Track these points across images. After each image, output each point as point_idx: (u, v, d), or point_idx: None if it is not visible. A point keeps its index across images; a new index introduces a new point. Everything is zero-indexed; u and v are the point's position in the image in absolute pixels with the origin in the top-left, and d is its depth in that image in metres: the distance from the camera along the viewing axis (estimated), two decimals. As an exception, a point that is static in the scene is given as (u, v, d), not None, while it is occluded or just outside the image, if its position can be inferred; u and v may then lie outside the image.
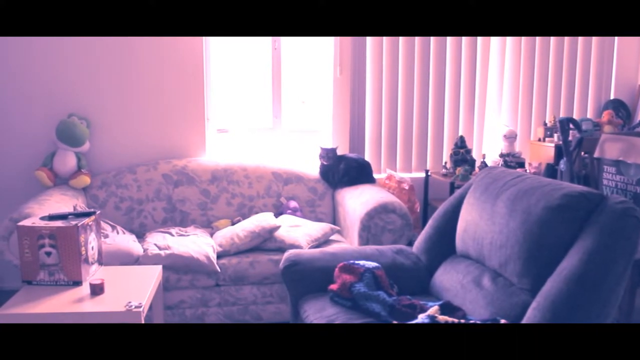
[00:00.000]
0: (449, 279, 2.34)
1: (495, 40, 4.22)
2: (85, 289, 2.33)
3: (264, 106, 4.02)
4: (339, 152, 3.77)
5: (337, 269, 2.34)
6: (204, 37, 3.76)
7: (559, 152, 3.90)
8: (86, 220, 2.42)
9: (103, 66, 3.63)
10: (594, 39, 4.32)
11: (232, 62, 3.95)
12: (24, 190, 3.56)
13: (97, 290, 2.28)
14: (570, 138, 3.65)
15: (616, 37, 4.33)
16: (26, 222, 2.36)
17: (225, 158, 3.77)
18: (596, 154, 3.33)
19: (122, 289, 2.34)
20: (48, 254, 2.33)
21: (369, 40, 3.99)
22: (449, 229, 2.54)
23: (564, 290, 1.73)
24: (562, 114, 4.34)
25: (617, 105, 4.34)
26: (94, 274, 2.51)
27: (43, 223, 2.36)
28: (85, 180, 3.44)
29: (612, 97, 4.41)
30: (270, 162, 3.79)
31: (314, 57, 4.06)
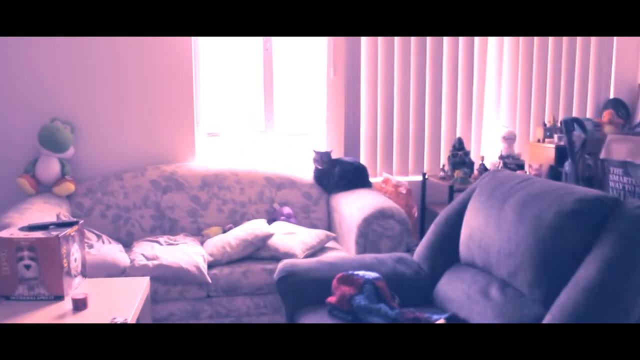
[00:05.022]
0: (454, 289, 2.22)
1: (492, 39, 4.13)
2: (67, 304, 2.20)
3: (256, 109, 3.90)
4: (334, 156, 3.65)
5: (335, 281, 2.22)
6: (193, 38, 3.63)
7: (560, 153, 3.80)
8: (68, 231, 2.29)
9: (88, 68, 3.48)
10: (593, 37, 4.24)
11: (222, 64, 3.83)
12: (5, 199, 3.41)
13: (79, 305, 2.14)
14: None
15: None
16: (4, 233, 2.23)
17: (215, 163, 3.64)
18: (602, 155, 3.22)
19: (107, 303, 2.21)
20: (27, 267, 2.20)
21: (364, 39, 3.87)
22: (452, 235, 2.42)
23: (582, 302, 1.61)
24: (561, 114, 4.25)
25: (617, 105, 4.25)
26: (77, 287, 2.38)
27: (22, 234, 2.23)
28: (69, 187, 3.30)
29: (611, 97, 4.33)
30: (262, 167, 3.67)
31: (306, 57, 3.94)
